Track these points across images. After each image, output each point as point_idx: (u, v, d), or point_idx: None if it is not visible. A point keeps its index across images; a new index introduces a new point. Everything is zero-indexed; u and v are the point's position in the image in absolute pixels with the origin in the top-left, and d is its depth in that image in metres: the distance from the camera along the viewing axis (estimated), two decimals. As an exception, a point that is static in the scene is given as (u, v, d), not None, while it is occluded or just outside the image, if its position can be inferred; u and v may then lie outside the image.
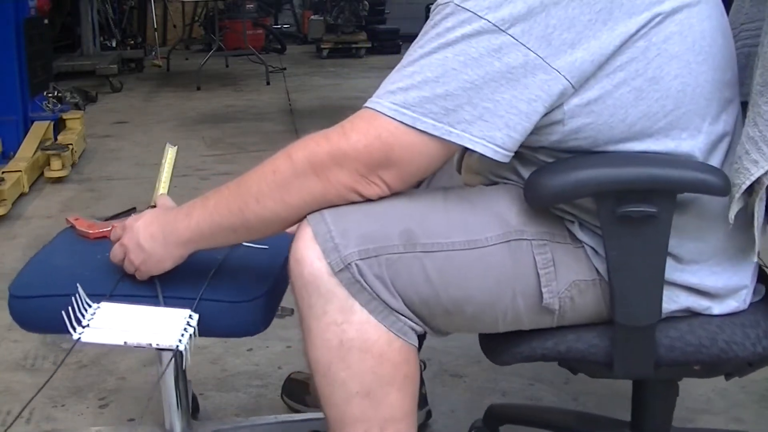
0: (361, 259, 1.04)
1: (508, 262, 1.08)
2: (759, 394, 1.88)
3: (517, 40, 0.99)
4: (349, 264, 1.04)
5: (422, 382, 1.65)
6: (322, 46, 8.01)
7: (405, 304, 1.07)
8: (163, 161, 1.49)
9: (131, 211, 1.48)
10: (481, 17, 1.00)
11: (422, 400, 1.66)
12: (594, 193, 1.06)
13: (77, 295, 1.18)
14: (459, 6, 1.01)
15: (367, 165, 1.04)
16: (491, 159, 1.03)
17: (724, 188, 1.05)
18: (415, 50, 1.04)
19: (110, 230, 1.33)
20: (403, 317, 1.07)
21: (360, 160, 1.03)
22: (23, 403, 1.93)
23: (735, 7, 1.27)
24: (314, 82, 6.63)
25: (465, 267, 1.07)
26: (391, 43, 8.06)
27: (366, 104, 1.06)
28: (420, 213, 1.08)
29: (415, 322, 1.09)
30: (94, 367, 2.07)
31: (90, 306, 1.19)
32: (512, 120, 1.01)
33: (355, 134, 1.04)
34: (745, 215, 1.09)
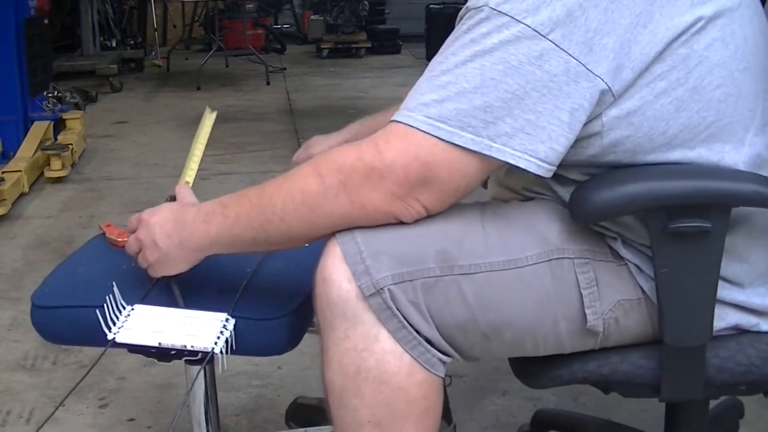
0: (394, 284, 0.98)
1: (550, 281, 1.02)
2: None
3: (558, 45, 0.93)
4: (381, 289, 0.98)
5: (447, 398, 1.63)
6: (322, 46, 8.00)
7: (439, 331, 1.01)
8: (200, 128, 1.38)
9: None
10: (519, 21, 0.93)
11: (447, 415, 1.63)
12: (645, 208, 1.00)
13: (111, 296, 1.16)
14: (495, 10, 0.95)
15: (404, 187, 0.97)
16: (532, 174, 0.97)
17: None
18: (447, 57, 0.97)
19: None
20: (433, 348, 1.01)
21: (397, 183, 0.97)
22: (24, 403, 1.94)
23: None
24: (314, 82, 6.62)
25: (504, 288, 1.01)
26: (391, 43, 8.06)
27: (397, 117, 0.98)
28: (456, 232, 1.01)
29: (446, 353, 1.03)
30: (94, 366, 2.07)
31: (124, 307, 1.17)
32: (555, 131, 0.95)
33: (390, 153, 0.96)
34: None
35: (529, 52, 0.94)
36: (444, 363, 1.04)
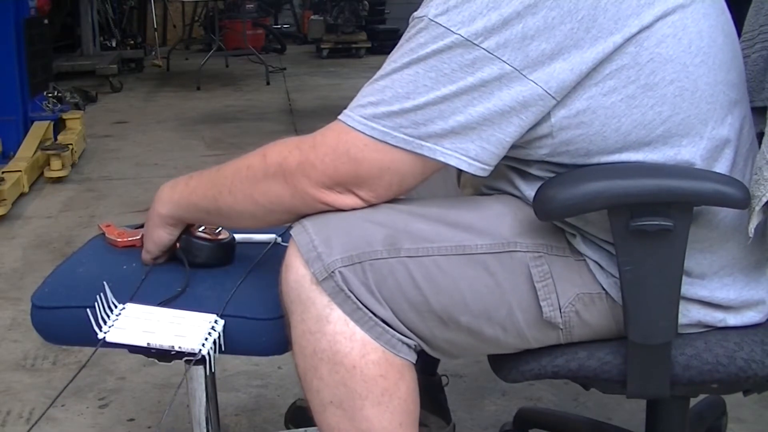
0: (344, 266, 1.02)
1: (500, 272, 1.05)
2: (759, 394, 1.88)
3: (491, 53, 0.97)
4: (332, 272, 1.02)
5: (445, 398, 1.64)
6: (322, 46, 8.01)
7: (394, 313, 1.04)
8: None
9: None
10: (453, 32, 0.97)
11: (446, 415, 1.64)
12: (607, 206, 1.02)
13: (103, 295, 1.16)
14: (432, 21, 0.99)
15: (333, 179, 1.03)
16: (470, 173, 1.02)
17: (743, 200, 1.00)
18: (388, 64, 1.03)
19: (139, 239, 1.31)
20: (391, 329, 1.04)
21: (326, 174, 1.03)
22: (23, 403, 1.94)
23: (754, 8, 1.22)
24: (314, 82, 6.63)
25: (454, 272, 1.04)
26: (391, 43, 7.93)
27: (338, 117, 1.04)
28: (405, 218, 1.06)
29: (406, 336, 1.05)
30: (94, 367, 2.07)
31: (116, 306, 1.17)
32: (485, 132, 0.99)
33: (323, 148, 1.04)
34: (763, 227, 1.04)
35: (461, 60, 0.98)
36: (410, 347, 1.06)
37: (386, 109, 1.00)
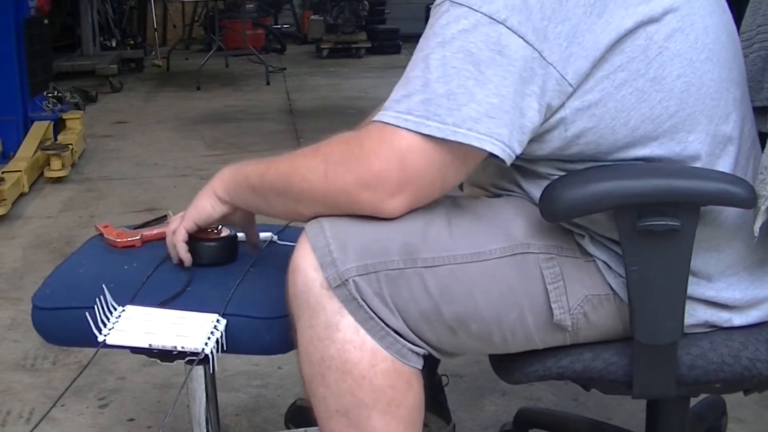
0: (359, 275, 1.00)
1: (514, 276, 1.04)
2: (759, 394, 1.88)
3: (514, 31, 0.96)
4: (346, 280, 1.00)
5: (445, 398, 1.64)
6: (322, 46, 8.00)
7: (405, 323, 1.03)
8: None
9: (163, 218, 1.43)
10: (476, 11, 0.97)
11: (446, 415, 1.64)
12: (614, 206, 1.01)
13: (102, 297, 1.16)
14: (453, 2, 0.98)
15: (394, 187, 1.00)
16: (498, 161, 1.00)
17: (750, 200, 1.01)
18: (416, 54, 1.01)
19: (139, 239, 1.31)
20: (402, 339, 1.03)
21: (371, 171, 1.00)
22: (23, 403, 1.94)
23: (752, 7, 1.23)
24: (314, 82, 6.62)
25: (468, 281, 1.03)
26: (391, 43, 8.06)
27: (377, 117, 1.02)
28: (422, 226, 1.04)
29: (416, 344, 1.04)
30: (94, 367, 2.05)
31: (115, 308, 1.17)
32: (514, 116, 0.98)
33: (377, 161, 0.99)
34: (766, 227, 1.04)
35: (487, 39, 0.97)
36: (419, 355, 1.05)
37: (419, 98, 0.98)
